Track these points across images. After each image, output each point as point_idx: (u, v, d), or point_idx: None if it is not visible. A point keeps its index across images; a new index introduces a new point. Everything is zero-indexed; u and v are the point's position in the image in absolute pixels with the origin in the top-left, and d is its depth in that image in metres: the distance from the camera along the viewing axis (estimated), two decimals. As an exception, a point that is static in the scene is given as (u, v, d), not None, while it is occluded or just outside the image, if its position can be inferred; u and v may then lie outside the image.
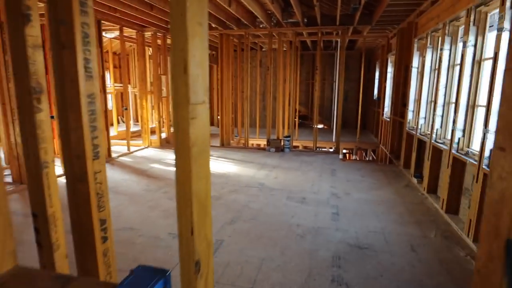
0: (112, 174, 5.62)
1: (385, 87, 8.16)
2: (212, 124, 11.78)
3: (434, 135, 4.19)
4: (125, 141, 8.11)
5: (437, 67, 4.44)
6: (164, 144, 8.32)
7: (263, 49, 10.83)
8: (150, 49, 8.42)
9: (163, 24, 7.58)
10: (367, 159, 9.62)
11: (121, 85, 10.78)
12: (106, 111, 6.64)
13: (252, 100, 11.19)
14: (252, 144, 10.32)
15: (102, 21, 6.62)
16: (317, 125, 7.57)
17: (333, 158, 6.91)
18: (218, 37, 7.82)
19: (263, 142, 8.62)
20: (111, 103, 9.55)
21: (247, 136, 8.06)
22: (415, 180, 4.81)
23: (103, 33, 7.93)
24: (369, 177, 5.31)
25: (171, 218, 3.73)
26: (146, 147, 7.99)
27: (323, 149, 11.45)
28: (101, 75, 6.48)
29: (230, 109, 8.13)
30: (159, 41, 8.06)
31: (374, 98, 9.90)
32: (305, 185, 4.93)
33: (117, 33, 7.74)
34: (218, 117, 9.62)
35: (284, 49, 10.21)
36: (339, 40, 8.43)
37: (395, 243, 3.05)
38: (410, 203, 4.10)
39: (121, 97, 10.76)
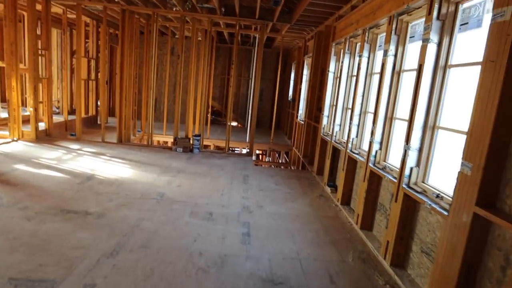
0: None
1: (300, 89, 8.09)
2: (112, 115, 10.16)
3: (350, 145, 4.02)
4: None
5: (355, 73, 4.30)
6: (42, 137, 6.63)
7: (176, 36, 9.76)
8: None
9: (42, -16, 5.95)
10: (280, 161, 9.53)
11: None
12: None
13: (160, 91, 10.03)
14: (158, 142, 9.21)
15: None
16: (230, 123, 7.01)
17: (246, 161, 6.44)
18: (119, 13, 6.53)
19: (170, 140, 7.66)
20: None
21: (150, 133, 6.99)
22: (328, 189, 4.64)
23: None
24: (283, 186, 4.96)
25: (22, 250, 2.63)
26: (15, 140, 6.22)
27: (236, 150, 11.07)
28: None
29: (131, 99, 6.93)
30: (39, 6, 6.33)
31: (289, 99, 9.88)
32: (214, 195, 4.28)
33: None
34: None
35: (199, 38, 9.35)
36: (257, 36, 8.04)
37: (313, 273, 2.65)
38: (325, 217, 3.84)
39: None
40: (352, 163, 4.01)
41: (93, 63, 8.81)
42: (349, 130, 4.06)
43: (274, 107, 8.44)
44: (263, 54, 7.25)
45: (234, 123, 11.54)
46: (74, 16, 6.78)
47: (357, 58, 4.24)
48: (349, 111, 4.35)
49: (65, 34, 7.03)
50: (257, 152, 10.10)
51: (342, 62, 4.79)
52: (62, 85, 7.50)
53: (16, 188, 3.97)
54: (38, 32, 6.62)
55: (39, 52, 6.61)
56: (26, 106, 7.15)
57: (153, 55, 6.75)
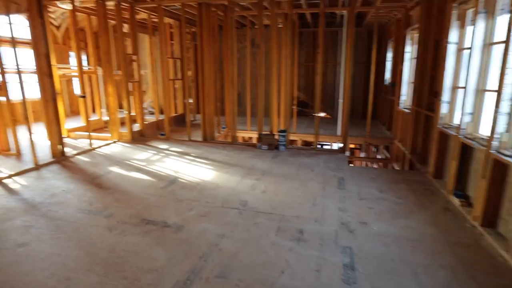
0: (54, 182, 4.29)
1: (401, 70, 6.74)
2: (198, 112, 10.38)
3: (495, 143, 2.84)
4: (98, 134, 6.81)
5: (496, 40, 3.04)
6: (137, 138, 6.96)
7: (256, 26, 9.32)
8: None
9: (127, -10, 6.09)
10: (378, 157, 8.28)
11: (90, 67, 9.33)
12: (55, 98, 5.25)
13: (243, 85, 9.76)
14: (243, 138, 8.96)
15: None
16: (318, 114, 6.20)
17: (339, 159, 5.56)
18: (196, 7, 6.31)
19: (255, 136, 7.25)
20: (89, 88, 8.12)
21: (234, 130, 6.69)
22: (456, 201, 3.49)
23: (58, 3, 6.44)
24: (390, 193, 3.97)
25: (97, 270, 2.42)
26: (115, 142, 6.63)
27: (325, 145, 10.17)
28: (45, 53, 5.05)
29: (213, 96, 6.71)
30: (125, 14, 6.57)
31: (387, 83, 8.48)
32: (304, 205, 3.61)
33: (76, 3, 6.24)
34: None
35: (280, 25, 8.70)
36: (345, 13, 6.96)
37: None
38: (460, 245, 2.78)
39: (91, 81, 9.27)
40: (499, 169, 2.83)
41: (179, 63, 9.01)
42: (494, 121, 2.86)
43: (369, 93, 7.25)
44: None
45: (322, 114, 10.62)
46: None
47: (503, 17, 2.97)
48: (490, 95, 3.11)
49: (151, 38, 7.20)
50: (350, 145, 9.01)
51: (473, 26, 3.50)
52: (152, 86, 7.78)
53: (107, 192, 4.00)
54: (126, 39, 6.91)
55: (132, 58, 6.91)
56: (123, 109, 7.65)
57: (233, 48, 6.37)
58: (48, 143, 5.40)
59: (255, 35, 9.24)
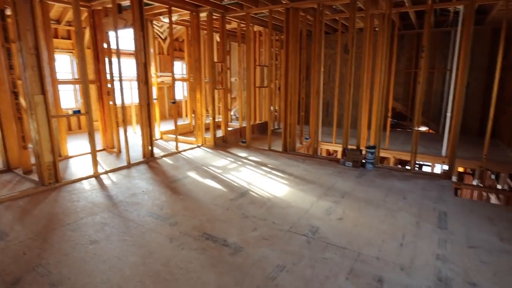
0: (138, 182, 4.57)
1: (540, 78, 5.20)
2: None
3: None
4: (185, 137, 7.24)
5: None
6: (219, 143, 7.09)
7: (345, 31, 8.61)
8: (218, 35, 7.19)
9: (217, 0, 6.24)
10: (499, 187, 6.62)
11: (185, 75, 10.02)
12: (148, 103, 5.67)
13: (332, 94, 9.11)
14: (327, 151, 8.34)
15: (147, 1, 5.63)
16: (418, 128, 5.22)
17: (441, 186, 4.54)
18: (283, 13, 6.07)
19: (340, 149, 6.58)
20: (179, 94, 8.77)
21: (316, 142, 6.18)
22: None
23: (161, 17, 7.04)
24: (516, 242, 2.95)
25: (147, 283, 2.32)
26: (199, 146, 6.88)
27: (425, 165, 8.76)
28: (143, 62, 5.51)
29: (296, 105, 6.35)
30: (216, 24, 6.78)
31: (516, 94, 6.76)
32: (388, 243, 2.93)
33: (175, 16, 6.74)
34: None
35: (376, 28, 7.84)
36: (461, 8, 5.75)
37: None
38: None
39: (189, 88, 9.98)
40: None
41: (266, 70, 8.95)
42: None
43: (491, 106, 5.81)
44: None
45: (423, 128, 9.19)
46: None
47: None
48: None
49: (240, 46, 7.28)
50: (459, 169, 7.47)
51: None
52: (239, 94, 7.87)
53: (178, 198, 4.02)
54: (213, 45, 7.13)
55: (222, 66, 7.11)
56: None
57: (320, 54, 5.91)
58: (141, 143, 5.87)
59: (347, 39, 8.57)
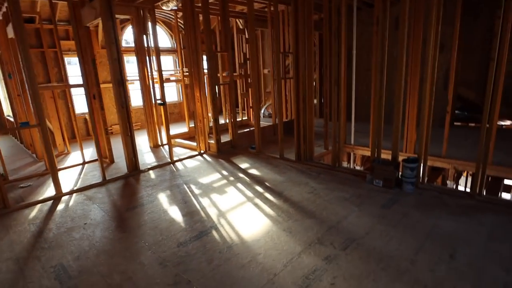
0: (93, 208, 3.71)
1: None
2: (320, 115, 8.55)
3: None
4: (191, 142, 6.28)
5: None
6: (225, 149, 5.95)
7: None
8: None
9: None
10: None
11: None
12: (127, 107, 4.78)
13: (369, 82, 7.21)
14: (362, 158, 6.58)
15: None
16: (496, 124, 3.36)
17: (526, 231, 2.72)
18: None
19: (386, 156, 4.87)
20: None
21: (338, 149, 4.61)
22: None
23: (161, 4, 6.11)
24: None
25: None
26: (201, 154, 5.84)
27: (505, 182, 6.41)
28: (115, 58, 4.63)
29: (311, 99, 4.83)
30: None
31: None
32: None
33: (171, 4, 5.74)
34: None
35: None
36: None
37: None
38: None
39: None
40: None
41: (291, 57, 7.46)
42: None
43: None
44: None
45: (506, 122, 6.74)
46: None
47: None
48: None
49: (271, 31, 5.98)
50: None
51: None
52: (271, 87, 6.58)
53: (116, 238, 3.03)
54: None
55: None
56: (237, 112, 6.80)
57: (354, 32, 4.30)
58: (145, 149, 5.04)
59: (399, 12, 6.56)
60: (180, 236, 2.98)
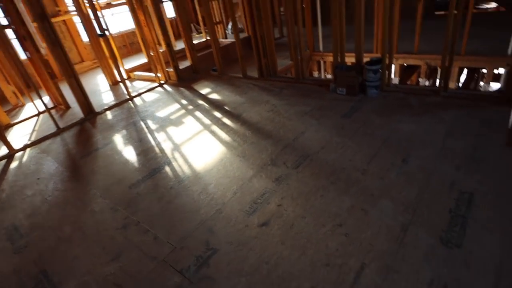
0: (47, 161, 3.53)
1: None
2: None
3: None
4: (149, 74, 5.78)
5: None
6: (185, 76, 5.50)
7: None
8: None
9: None
10: None
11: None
12: (55, 43, 4.22)
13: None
14: (332, 66, 6.15)
15: None
16: (471, 9, 2.99)
17: (485, 125, 2.60)
18: None
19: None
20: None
21: (300, 58, 4.22)
22: None
23: None
24: None
25: None
26: (161, 85, 5.44)
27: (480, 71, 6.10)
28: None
29: (267, 7, 4.24)
30: None
31: None
32: (343, 277, 1.47)
33: None
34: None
35: None
36: None
37: None
38: None
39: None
40: None
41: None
42: None
43: None
44: None
45: (490, 5, 6.13)
46: None
47: None
48: None
49: None
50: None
51: None
52: None
53: (69, 188, 2.91)
54: None
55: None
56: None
57: None
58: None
59: None
60: (133, 177, 2.87)
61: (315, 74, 5.83)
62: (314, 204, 2.08)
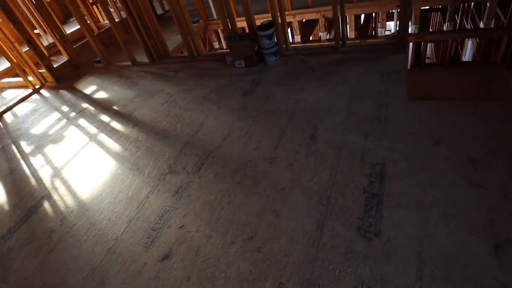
0: None
1: None
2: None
3: None
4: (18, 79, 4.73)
5: None
6: (65, 76, 4.56)
7: None
8: None
9: None
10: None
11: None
12: None
13: None
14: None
15: None
16: None
17: (389, 73, 2.51)
18: None
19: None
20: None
21: (191, 33, 3.70)
22: None
23: None
24: None
25: None
26: (36, 91, 4.45)
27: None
28: None
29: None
30: None
31: None
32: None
33: None
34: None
35: None
36: None
37: None
38: None
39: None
40: None
41: None
42: None
43: None
44: None
45: None
46: None
47: None
48: None
49: None
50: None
51: None
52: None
53: None
54: None
55: None
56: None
57: None
58: None
59: None
60: (2, 226, 2.24)
61: (216, 45, 5.33)
62: (221, 216, 1.77)
